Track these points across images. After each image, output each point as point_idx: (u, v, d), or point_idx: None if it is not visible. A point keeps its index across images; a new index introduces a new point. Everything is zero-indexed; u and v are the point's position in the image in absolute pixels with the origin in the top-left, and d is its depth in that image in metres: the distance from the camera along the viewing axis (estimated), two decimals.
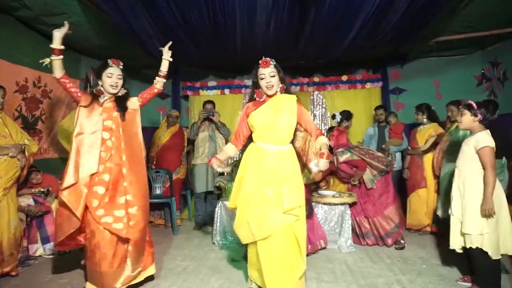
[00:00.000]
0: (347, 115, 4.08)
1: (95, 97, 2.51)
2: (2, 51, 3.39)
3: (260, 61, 2.31)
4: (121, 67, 2.52)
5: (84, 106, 2.45)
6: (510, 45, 4.46)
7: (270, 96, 2.34)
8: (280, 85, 2.33)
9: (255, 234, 2.19)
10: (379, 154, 3.77)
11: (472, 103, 2.45)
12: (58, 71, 2.44)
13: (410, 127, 4.63)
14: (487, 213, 2.30)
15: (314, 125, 2.39)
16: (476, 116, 2.43)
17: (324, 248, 3.46)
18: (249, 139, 2.44)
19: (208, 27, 3.67)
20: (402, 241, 3.56)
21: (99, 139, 2.40)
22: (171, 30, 3.72)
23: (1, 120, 2.87)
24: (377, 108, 4.89)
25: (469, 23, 4.00)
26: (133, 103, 2.64)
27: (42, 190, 3.46)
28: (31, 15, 3.46)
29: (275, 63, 2.30)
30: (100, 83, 2.51)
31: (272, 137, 2.27)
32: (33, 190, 3.42)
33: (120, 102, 2.54)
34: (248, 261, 2.48)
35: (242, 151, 2.47)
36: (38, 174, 3.53)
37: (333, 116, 4.20)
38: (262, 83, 2.29)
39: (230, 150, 2.45)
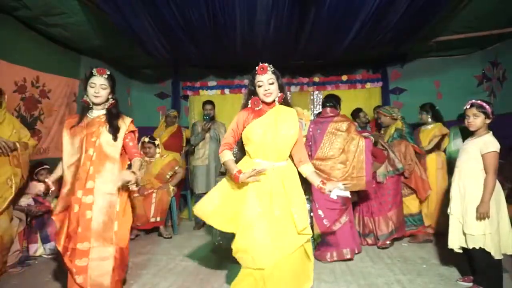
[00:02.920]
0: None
1: (84, 111, 2.40)
2: (0, 51, 3.39)
3: (257, 67, 2.14)
4: (106, 76, 2.36)
5: (68, 129, 2.34)
6: (510, 45, 4.46)
7: (267, 104, 2.16)
8: (279, 94, 2.15)
9: (266, 259, 1.95)
10: (397, 155, 3.72)
11: (485, 104, 2.41)
12: None
13: (412, 127, 4.61)
14: (482, 216, 2.32)
15: (304, 152, 2.23)
16: (489, 118, 2.41)
17: (350, 259, 3.20)
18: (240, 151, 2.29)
19: (208, 27, 3.67)
20: (388, 242, 3.55)
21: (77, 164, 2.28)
22: (171, 30, 3.73)
23: None
24: (358, 111, 4.83)
25: (469, 23, 4.00)
26: (122, 127, 2.38)
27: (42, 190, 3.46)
28: (31, 15, 3.45)
29: (273, 69, 2.13)
30: (85, 93, 2.39)
31: (272, 153, 2.08)
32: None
33: (112, 121, 2.35)
34: None
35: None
36: (47, 171, 3.55)
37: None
38: (260, 90, 2.12)
39: (231, 158, 2.18)
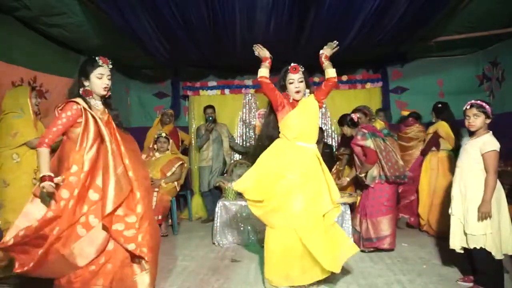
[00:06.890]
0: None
1: (88, 101, 2.23)
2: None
3: (289, 67, 2.51)
4: (110, 66, 2.28)
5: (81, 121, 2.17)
6: (510, 45, 4.46)
7: (296, 100, 2.54)
8: (307, 90, 2.60)
9: (298, 220, 2.37)
10: (401, 163, 3.53)
11: (485, 104, 2.41)
12: None
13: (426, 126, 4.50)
14: (484, 216, 2.31)
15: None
16: (489, 117, 2.41)
17: None
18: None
19: (208, 27, 3.67)
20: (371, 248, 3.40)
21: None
22: (171, 30, 3.73)
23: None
24: (380, 111, 4.83)
25: (469, 23, 4.00)
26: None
27: None
28: (31, 15, 3.45)
29: (303, 69, 2.52)
30: (86, 83, 2.23)
31: (309, 136, 2.53)
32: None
33: (109, 105, 2.33)
34: (268, 265, 2.46)
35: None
36: None
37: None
38: (291, 87, 2.50)
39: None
